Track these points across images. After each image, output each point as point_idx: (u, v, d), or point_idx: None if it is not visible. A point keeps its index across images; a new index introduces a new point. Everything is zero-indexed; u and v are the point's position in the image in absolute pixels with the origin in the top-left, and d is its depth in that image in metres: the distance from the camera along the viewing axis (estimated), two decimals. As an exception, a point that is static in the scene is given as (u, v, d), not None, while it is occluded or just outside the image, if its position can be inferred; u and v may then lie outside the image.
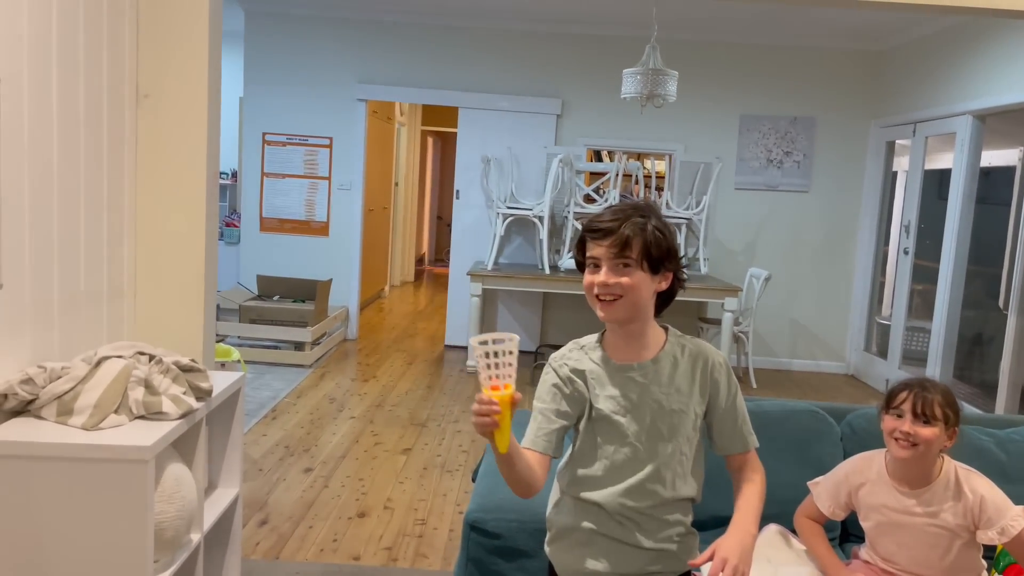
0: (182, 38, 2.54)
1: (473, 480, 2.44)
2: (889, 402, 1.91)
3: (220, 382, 2.35)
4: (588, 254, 1.51)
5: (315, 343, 5.65)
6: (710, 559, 1.43)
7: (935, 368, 5.23)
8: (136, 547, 1.83)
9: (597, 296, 1.49)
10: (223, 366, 3.64)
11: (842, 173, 6.31)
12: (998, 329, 6.31)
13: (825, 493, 2.05)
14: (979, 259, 5.45)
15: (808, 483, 2.10)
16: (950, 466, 1.90)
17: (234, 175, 7.50)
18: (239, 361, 3.77)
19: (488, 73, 6.25)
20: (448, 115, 9.69)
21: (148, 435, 1.87)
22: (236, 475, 2.48)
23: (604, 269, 1.47)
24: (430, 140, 11.60)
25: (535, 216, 5.73)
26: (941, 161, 5.66)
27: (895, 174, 6.20)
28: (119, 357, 2.04)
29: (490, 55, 6.24)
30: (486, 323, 6.40)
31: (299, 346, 5.55)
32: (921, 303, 5.84)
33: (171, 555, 2.00)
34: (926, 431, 1.83)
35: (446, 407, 4.81)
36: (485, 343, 1.33)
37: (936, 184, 5.73)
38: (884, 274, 6.40)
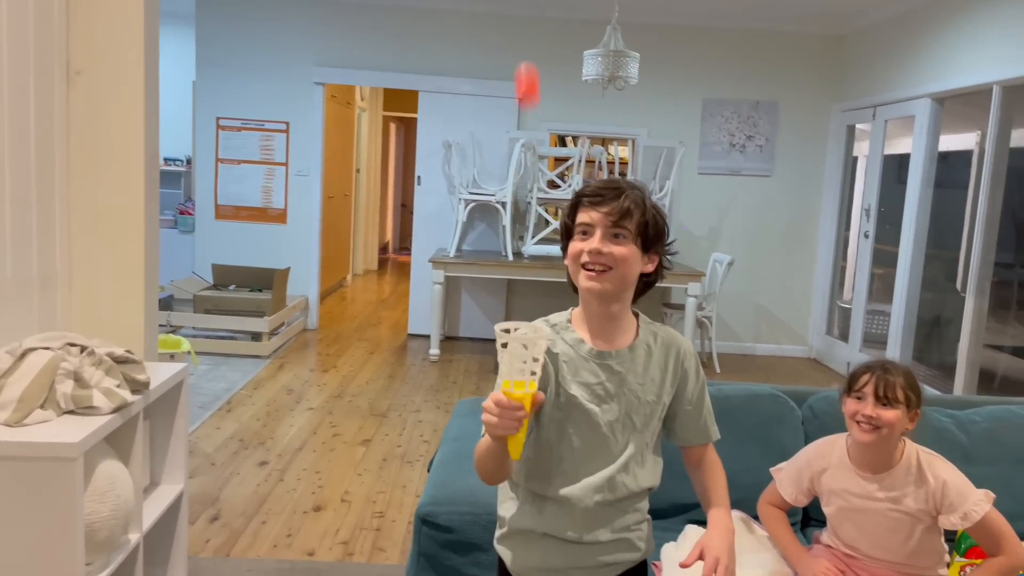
0: (116, 11, 2.41)
1: (429, 471, 2.37)
2: (851, 385, 1.86)
3: (161, 374, 2.24)
4: (579, 220, 1.41)
5: (273, 333, 5.52)
6: (699, 558, 1.39)
7: (895, 350, 5.26)
8: (66, 549, 1.72)
9: (584, 265, 1.40)
10: (172, 357, 3.51)
11: (804, 157, 6.31)
12: (956, 311, 6.39)
13: (787, 479, 2.01)
14: (937, 242, 5.48)
15: (771, 469, 2.06)
16: (912, 450, 1.87)
17: (188, 161, 7.30)
18: (190, 352, 3.64)
19: (449, 56, 6.14)
20: (411, 100, 9.52)
21: (77, 431, 1.76)
22: (181, 471, 2.38)
23: (597, 235, 1.38)
24: (392, 126, 11.44)
25: (498, 202, 5.65)
26: (899, 146, 5.68)
27: (855, 159, 6.21)
28: (46, 348, 1.92)
29: (451, 38, 6.12)
30: (449, 311, 6.31)
31: (256, 336, 5.41)
32: (881, 286, 5.87)
33: (106, 556, 1.90)
34: (888, 414, 1.79)
35: (407, 396, 4.72)
36: (508, 331, 1.22)
37: (895, 168, 5.76)
38: (845, 258, 6.43)
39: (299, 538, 2.89)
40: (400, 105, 10.25)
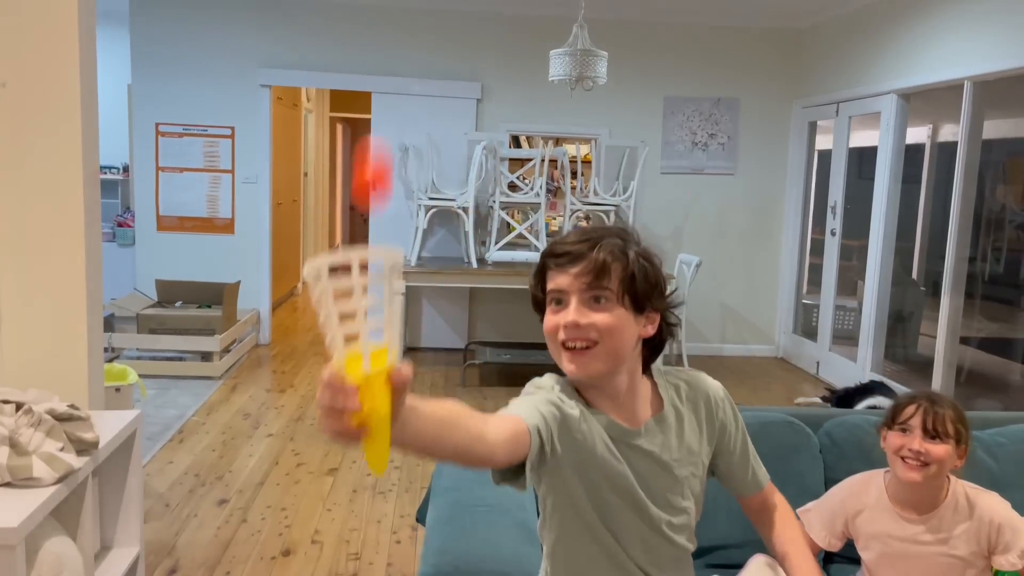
0: (47, 15, 2.12)
1: (419, 521, 2.14)
2: (894, 417, 1.70)
3: (111, 425, 1.97)
4: (550, 286, 1.15)
5: (224, 352, 5.20)
6: None
7: (867, 348, 5.20)
8: (5, 652, 1.46)
9: (563, 344, 1.13)
10: (118, 391, 3.20)
11: (767, 155, 6.23)
12: (916, 304, 6.41)
13: (818, 521, 1.85)
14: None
15: (798, 511, 1.89)
16: (957, 487, 1.72)
17: (126, 169, 6.88)
18: (137, 383, 3.34)
19: (402, 56, 5.88)
20: (358, 100, 9.21)
21: (15, 510, 1.50)
22: (135, 531, 2.11)
23: (572, 305, 1.12)
24: (339, 127, 11.09)
25: (459, 207, 5.42)
26: (858, 140, 5.63)
27: (818, 153, 6.16)
28: (-26, 411, 1.65)
29: (404, 37, 5.86)
30: (410, 321, 6.06)
31: (207, 356, 5.09)
32: (843, 281, 5.83)
33: (54, 650, 1.63)
34: (938, 449, 1.63)
35: (373, 417, 4.46)
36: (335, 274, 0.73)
37: (857, 162, 5.71)
38: (807, 255, 6.38)
39: (269, 589, 2.63)
40: (347, 106, 9.92)
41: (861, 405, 4.45)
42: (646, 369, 1.24)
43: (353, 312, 0.74)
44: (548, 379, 1.23)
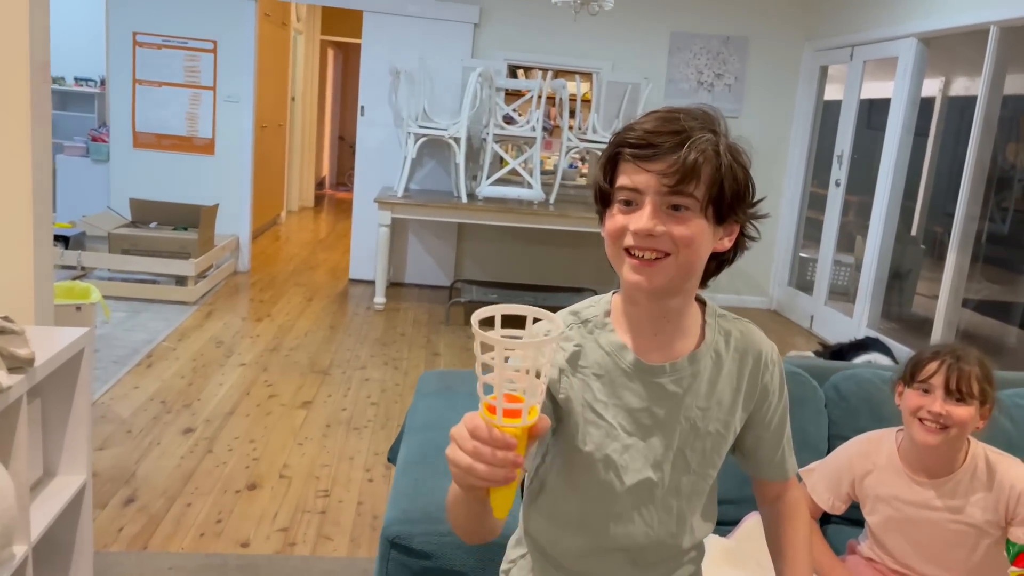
0: None
1: (390, 460, 1.99)
2: (913, 373, 1.54)
3: (54, 342, 1.79)
4: (621, 182, 0.96)
5: (200, 277, 5.00)
6: None
7: (864, 304, 5.07)
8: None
9: (629, 250, 0.95)
10: (79, 310, 3.01)
11: (773, 99, 5.99)
12: (914, 262, 6.26)
13: (822, 483, 1.70)
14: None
15: (799, 471, 1.74)
16: (978, 450, 1.57)
17: (102, 82, 6.56)
18: (100, 303, 3.14)
19: (397, -27, 5.55)
20: (352, 23, 8.83)
21: (-73, 431, 1.32)
22: (82, 458, 1.94)
23: (648, 209, 0.93)
24: (331, 51, 10.68)
25: (451, 137, 5.17)
26: (868, 91, 5.39)
27: (827, 104, 5.93)
28: None
29: (399, -48, 5.52)
30: (395, 255, 5.86)
31: (181, 280, 4.88)
32: (842, 236, 5.66)
33: (-22, 585, 1.48)
34: (961, 411, 1.48)
35: (351, 351, 4.31)
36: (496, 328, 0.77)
37: (866, 113, 5.49)
38: (806, 208, 6.19)
39: (231, 524, 2.49)
40: (340, 29, 9.52)
41: (855, 360, 4.32)
42: (703, 284, 1.04)
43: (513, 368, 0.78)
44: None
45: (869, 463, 1.64)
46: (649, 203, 0.94)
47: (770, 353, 1.10)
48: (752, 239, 1.05)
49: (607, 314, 1.06)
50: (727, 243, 1.01)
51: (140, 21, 5.45)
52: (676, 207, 0.94)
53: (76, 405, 1.91)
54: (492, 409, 0.78)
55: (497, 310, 0.80)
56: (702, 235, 0.96)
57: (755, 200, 1.02)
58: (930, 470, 1.57)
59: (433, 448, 1.68)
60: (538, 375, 0.78)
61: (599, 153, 5.49)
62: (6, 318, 1.60)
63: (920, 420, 1.52)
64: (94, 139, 6.08)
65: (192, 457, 2.91)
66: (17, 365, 1.58)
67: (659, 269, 0.95)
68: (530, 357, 0.76)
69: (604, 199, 1.01)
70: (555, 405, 1.04)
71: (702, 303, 1.10)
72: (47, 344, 1.76)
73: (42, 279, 2.06)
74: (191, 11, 5.46)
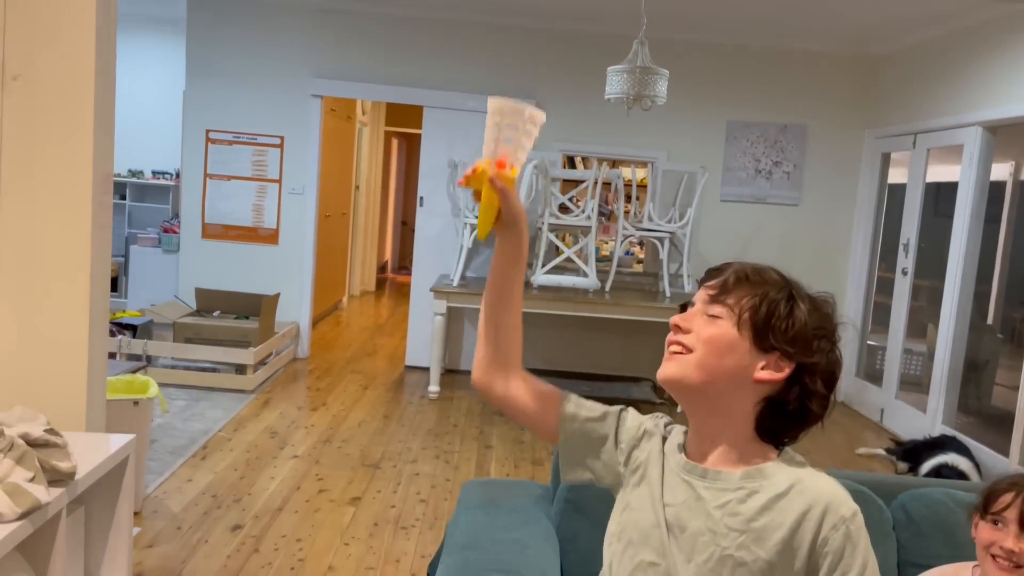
0: (63, 11, 1.99)
1: (430, 575, 1.92)
2: (987, 505, 1.44)
3: (100, 449, 1.80)
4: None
5: (259, 365, 5.07)
6: None
7: (938, 397, 4.82)
8: None
9: (668, 344, 1.09)
10: (136, 404, 3.06)
11: (834, 186, 5.89)
12: (991, 352, 5.96)
13: None
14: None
15: None
16: None
17: (177, 175, 6.88)
18: (157, 397, 3.19)
19: (455, 70, 5.73)
20: (414, 116, 9.12)
21: (-38, 552, 1.32)
22: (122, 566, 1.93)
23: (695, 311, 1.08)
24: (395, 141, 11.04)
25: (506, 227, 5.21)
26: (933, 174, 5.26)
27: (890, 188, 5.80)
28: (-66, 434, 1.48)
29: (457, 51, 5.72)
30: (450, 342, 5.87)
31: (240, 369, 4.96)
32: (911, 323, 5.44)
33: None
34: None
35: (403, 443, 4.27)
36: (503, 114, 1.08)
37: (933, 198, 5.35)
38: (873, 294, 6.00)
39: (272, 632, 2.43)
40: (403, 120, 9.85)
41: (931, 462, 4.08)
42: (770, 436, 1.06)
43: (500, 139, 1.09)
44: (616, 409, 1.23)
45: None
46: (698, 305, 1.08)
47: (841, 510, 0.99)
48: (815, 392, 1.03)
49: (686, 431, 1.16)
50: (767, 375, 1.02)
51: (213, 119, 5.73)
52: (713, 316, 1.05)
53: (119, 512, 1.91)
54: (500, 164, 1.09)
55: (511, 104, 1.09)
56: (725, 339, 1.03)
57: (812, 345, 1.02)
58: None
59: (472, 572, 1.61)
60: (521, 145, 1.10)
61: (655, 241, 5.47)
62: (50, 430, 1.62)
63: (993, 556, 1.41)
64: (166, 230, 6.34)
65: (238, 556, 2.88)
66: (58, 478, 1.59)
67: (677, 361, 1.05)
68: (510, 126, 1.08)
69: None
70: (626, 460, 1.16)
71: (779, 450, 1.08)
72: (92, 453, 1.77)
73: (95, 383, 2.10)
74: (261, 109, 5.71)
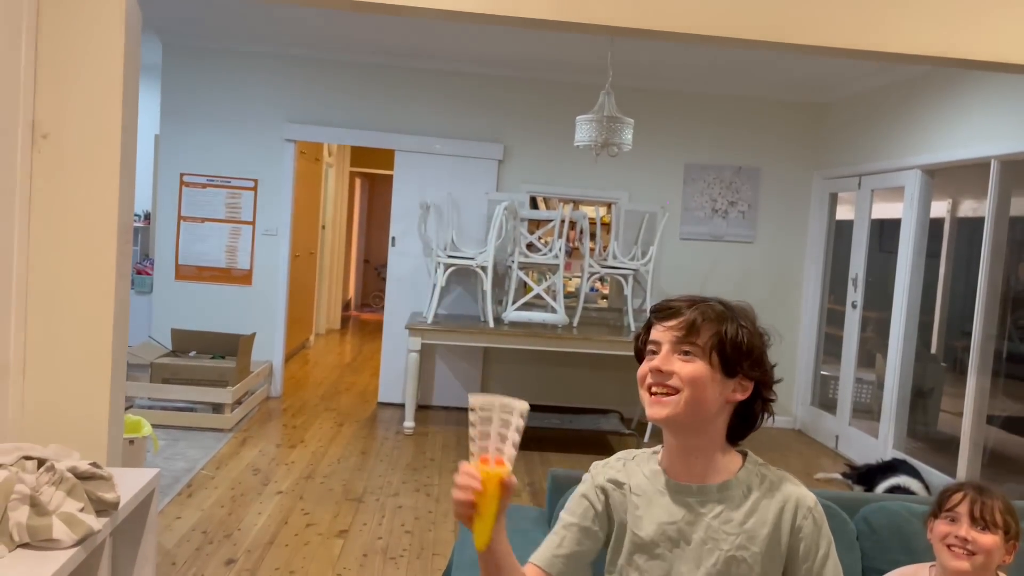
0: (91, 67, 2.14)
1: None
2: (941, 505, 1.67)
3: (130, 484, 1.92)
4: (649, 339, 1.24)
5: (236, 404, 5.14)
6: None
7: (889, 423, 5.11)
8: None
9: (649, 388, 1.21)
10: (132, 443, 3.15)
11: (786, 224, 6.23)
12: (936, 380, 6.30)
13: None
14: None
15: None
16: None
17: (147, 217, 6.94)
18: (151, 436, 3.28)
19: (426, 115, 5.95)
20: (377, 156, 9.33)
21: (34, 574, 1.44)
22: (147, 595, 2.04)
23: (663, 353, 1.20)
24: (358, 180, 11.20)
25: (478, 266, 5.41)
26: (878, 211, 5.62)
27: (838, 224, 6.15)
28: (-3, 467, 1.60)
29: (428, 97, 5.95)
30: (423, 378, 6.00)
31: (218, 408, 5.03)
32: (861, 353, 5.75)
33: None
34: (985, 539, 1.59)
35: (383, 477, 4.39)
36: (485, 409, 1.12)
37: (878, 235, 5.70)
38: (824, 325, 6.31)
39: (277, 659, 2.53)
40: (367, 161, 10.03)
41: (884, 483, 4.34)
42: (734, 439, 1.26)
43: (489, 434, 1.12)
44: (595, 465, 1.34)
45: None
46: (665, 349, 1.20)
47: (806, 500, 1.23)
48: (770, 400, 1.26)
49: (656, 452, 1.30)
50: (739, 396, 1.22)
51: (187, 162, 5.84)
52: (685, 352, 1.19)
53: (144, 544, 2.03)
54: (483, 461, 1.12)
55: (490, 399, 1.12)
56: (705, 377, 1.18)
57: (764, 363, 1.24)
58: None
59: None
60: (507, 439, 1.11)
61: (620, 278, 5.71)
62: (94, 464, 1.75)
63: (949, 547, 1.62)
64: (138, 272, 6.38)
65: (235, 589, 2.97)
66: (103, 508, 1.71)
67: (668, 403, 1.18)
68: (493, 421, 1.11)
69: (639, 357, 1.27)
70: (607, 518, 1.29)
71: (744, 455, 1.27)
72: (124, 486, 1.89)
73: (115, 421, 2.21)
74: (235, 153, 5.85)
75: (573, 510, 1.31)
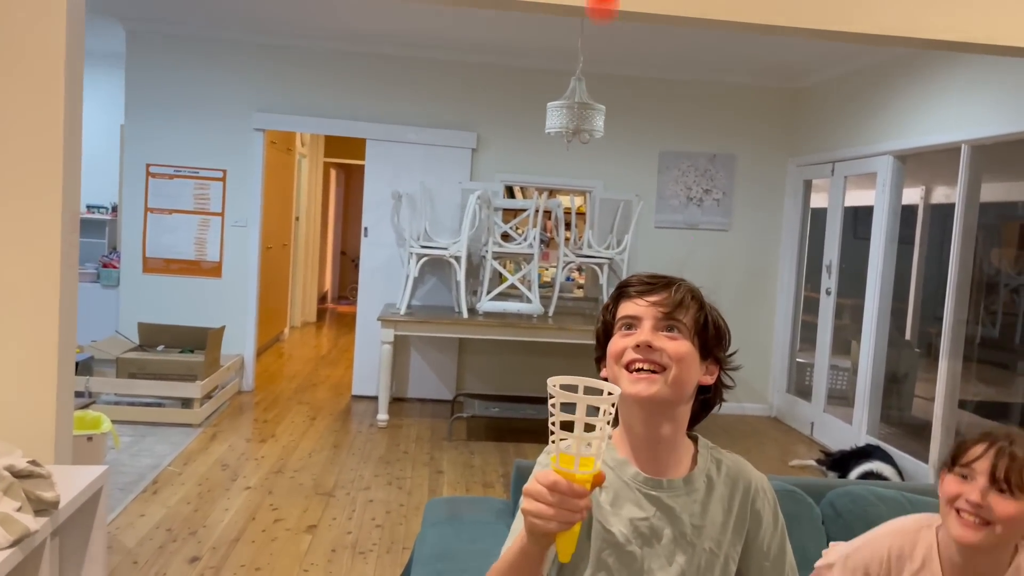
0: (30, 51, 2.06)
1: (399, 591, 2.01)
2: (956, 456, 1.35)
3: (75, 482, 1.85)
4: (622, 313, 1.16)
5: (205, 398, 5.06)
6: None
7: (863, 410, 5.11)
8: None
9: (629, 365, 1.12)
10: (90, 440, 3.07)
11: (761, 212, 6.22)
12: (910, 366, 6.33)
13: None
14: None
15: (817, 564, 1.58)
16: None
17: (114, 209, 6.81)
18: (111, 432, 3.20)
19: (398, 104, 5.87)
20: (352, 146, 9.21)
21: (-41, 579, 1.37)
22: (96, 596, 1.97)
23: (646, 328, 1.13)
24: (333, 171, 11.08)
25: (451, 256, 5.35)
26: (852, 198, 5.61)
27: (813, 211, 6.15)
28: (-76, 467, 1.53)
29: (401, 84, 5.86)
30: (397, 370, 5.94)
31: (187, 403, 4.94)
32: (836, 340, 5.75)
33: None
34: (1007, 506, 1.28)
35: (355, 470, 4.33)
36: (570, 396, 0.94)
37: (852, 222, 5.70)
38: (800, 313, 6.32)
39: (238, 658, 2.47)
40: (342, 151, 9.92)
41: (858, 469, 4.34)
42: (691, 426, 1.21)
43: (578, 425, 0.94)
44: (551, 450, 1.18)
45: (902, 561, 1.44)
46: (648, 324, 1.13)
47: (760, 482, 1.21)
48: (728, 387, 1.22)
49: (610, 437, 1.21)
50: (709, 379, 1.18)
51: (154, 153, 5.72)
52: (670, 328, 1.13)
53: (92, 544, 1.96)
54: (563, 462, 0.94)
55: (570, 380, 0.97)
56: (691, 356, 1.13)
57: (730, 352, 1.20)
58: (974, 574, 1.36)
59: (444, 580, 1.72)
60: (599, 430, 0.94)
61: (595, 267, 5.67)
62: (33, 462, 1.68)
63: (958, 511, 1.32)
64: (104, 265, 6.26)
65: (198, 587, 2.91)
66: (42, 508, 1.64)
67: (657, 380, 1.11)
68: (595, 416, 0.94)
69: (606, 334, 1.19)
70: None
71: (694, 439, 1.22)
72: (68, 484, 1.82)
73: (64, 416, 2.14)
74: (203, 143, 5.74)
75: None
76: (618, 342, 1.15)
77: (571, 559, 1.01)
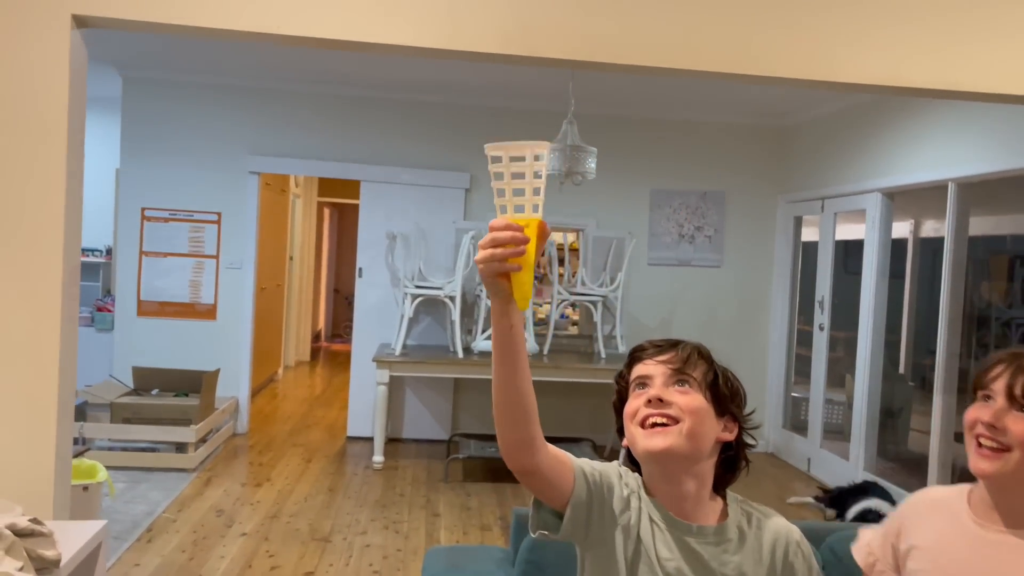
0: (36, 98, 2.09)
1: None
2: (977, 381, 1.24)
3: (75, 539, 1.85)
4: (635, 375, 1.20)
5: (200, 442, 5.03)
6: None
7: (859, 445, 5.12)
8: None
9: (644, 422, 1.15)
10: (86, 489, 3.05)
11: (753, 247, 6.27)
12: (905, 399, 6.35)
13: (877, 543, 1.42)
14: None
15: (853, 551, 1.49)
16: None
17: (108, 252, 6.82)
18: (106, 481, 3.18)
19: (392, 145, 5.93)
20: (346, 186, 9.24)
21: (-40, 645, 1.37)
22: (94, 655, 1.95)
23: (657, 384, 1.17)
24: (327, 211, 11.13)
25: (446, 296, 5.37)
26: (843, 232, 5.68)
27: (804, 246, 6.21)
28: (-75, 530, 1.53)
29: (393, 127, 5.93)
30: (392, 410, 5.92)
31: (181, 447, 4.91)
32: (830, 374, 5.78)
33: None
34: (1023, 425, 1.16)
35: (351, 515, 4.30)
36: (510, 158, 1.03)
37: (842, 256, 5.75)
38: (794, 347, 6.34)
39: None
40: (336, 191, 9.98)
41: (856, 507, 4.33)
42: (718, 487, 1.22)
43: (514, 185, 1.04)
44: (623, 468, 1.26)
45: (936, 510, 1.33)
46: (659, 380, 1.17)
47: (792, 533, 1.21)
48: (750, 446, 1.25)
49: (640, 484, 1.24)
50: (728, 436, 1.20)
51: (149, 196, 5.75)
52: (681, 382, 1.16)
53: (91, 599, 1.94)
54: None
55: (508, 146, 1.05)
56: (704, 410, 1.15)
57: (748, 411, 1.23)
58: (1002, 516, 1.22)
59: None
60: (535, 185, 1.03)
61: (589, 305, 5.70)
62: (35, 520, 1.67)
63: (978, 442, 1.21)
64: (99, 308, 6.26)
65: (195, 639, 2.87)
66: (44, 567, 1.63)
67: (669, 432, 1.13)
68: (528, 172, 1.03)
69: (621, 401, 1.23)
70: (601, 516, 1.18)
71: (722, 495, 1.25)
72: (68, 540, 1.81)
73: (62, 471, 2.14)
74: (197, 186, 5.78)
75: (604, 470, 1.20)
76: (632, 403, 1.19)
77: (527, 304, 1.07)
